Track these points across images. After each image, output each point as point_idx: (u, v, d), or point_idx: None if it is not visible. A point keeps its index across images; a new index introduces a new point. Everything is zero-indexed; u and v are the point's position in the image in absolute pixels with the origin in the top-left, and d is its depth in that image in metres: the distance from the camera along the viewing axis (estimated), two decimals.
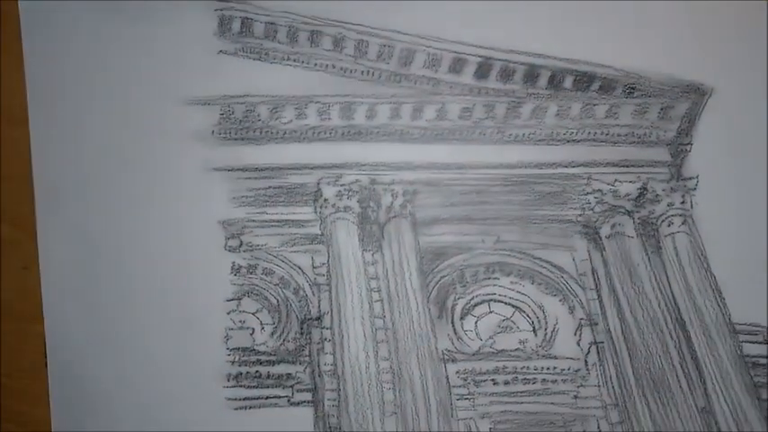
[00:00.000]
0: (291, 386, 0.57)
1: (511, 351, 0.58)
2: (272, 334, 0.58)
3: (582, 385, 0.57)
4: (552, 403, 0.57)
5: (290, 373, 0.57)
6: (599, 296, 0.59)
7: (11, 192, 0.58)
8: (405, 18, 0.60)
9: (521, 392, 0.58)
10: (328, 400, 0.57)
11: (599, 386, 0.57)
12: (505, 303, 0.59)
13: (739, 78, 0.60)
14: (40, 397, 0.56)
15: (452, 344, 0.58)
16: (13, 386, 0.56)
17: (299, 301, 0.59)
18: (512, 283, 0.59)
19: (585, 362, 0.58)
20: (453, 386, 0.57)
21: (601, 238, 0.59)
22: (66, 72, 0.60)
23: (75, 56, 0.60)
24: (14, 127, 0.59)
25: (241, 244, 0.59)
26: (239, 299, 0.59)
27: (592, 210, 0.59)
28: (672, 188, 0.60)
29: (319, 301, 0.59)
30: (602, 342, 0.58)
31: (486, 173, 0.60)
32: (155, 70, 0.60)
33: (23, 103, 0.59)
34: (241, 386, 0.57)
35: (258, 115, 0.60)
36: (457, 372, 0.58)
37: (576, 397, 0.57)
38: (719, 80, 0.60)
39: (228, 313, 0.58)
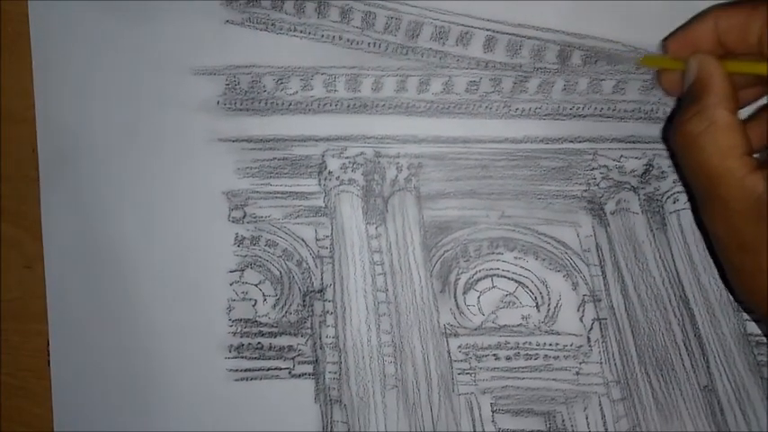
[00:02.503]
0: (293, 358, 0.57)
1: (513, 326, 0.58)
2: (275, 306, 0.58)
3: (584, 362, 0.57)
4: (554, 379, 0.57)
5: (291, 346, 0.57)
6: (603, 272, 0.58)
7: (13, 190, 0.58)
8: None
9: (522, 368, 0.57)
10: (329, 372, 0.57)
11: (601, 363, 0.57)
12: (508, 278, 0.59)
13: None
14: (43, 396, 0.56)
15: (454, 318, 0.58)
16: (15, 385, 0.57)
17: (302, 274, 0.59)
18: (515, 258, 0.59)
19: (588, 338, 0.58)
20: (455, 361, 0.57)
21: (605, 214, 0.59)
22: (70, 42, 0.60)
23: (79, 26, 0.60)
24: (16, 125, 0.59)
25: (245, 215, 0.59)
26: (242, 270, 0.59)
27: (597, 185, 0.59)
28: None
29: (322, 273, 0.59)
30: (605, 319, 0.58)
31: (492, 147, 0.59)
32: (161, 41, 0.60)
33: (25, 102, 0.59)
34: (243, 357, 0.57)
35: (264, 86, 0.60)
36: (459, 346, 0.58)
37: (578, 373, 0.57)
38: None
39: (231, 284, 0.58)
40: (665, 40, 0.54)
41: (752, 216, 0.46)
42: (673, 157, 0.57)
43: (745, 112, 0.54)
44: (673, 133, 0.50)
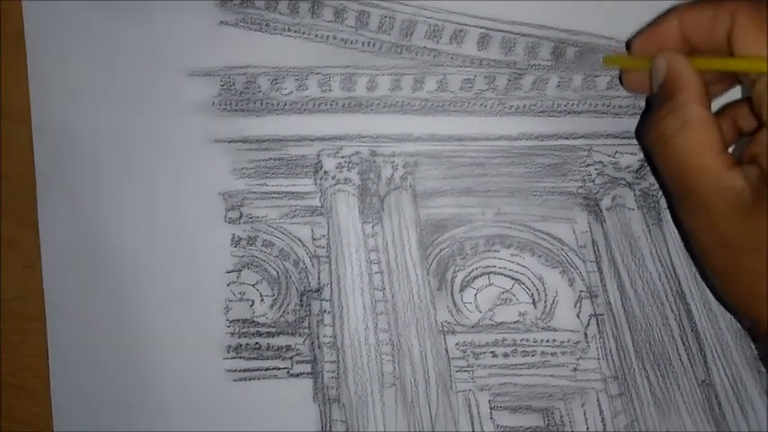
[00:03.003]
0: (291, 358, 0.57)
1: (510, 323, 0.58)
2: (272, 306, 0.58)
3: (581, 358, 0.57)
4: (551, 376, 0.57)
5: (289, 345, 0.58)
6: (599, 268, 0.59)
7: (12, 189, 0.59)
8: None
9: (520, 365, 0.57)
10: (327, 371, 0.57)
11: (599, 359, 0.57)
12: (505, 276, 0.59)
13: None
14: (42, 395, 0.56)
15: (452, 316, 0.58)
16: (14, 384, 0.57)
17: (299, 273, 0.59)
18: (512, 255, 0.59)
19: (585, 334, 0.58)
20: (452, 358, 0.57)
21: (601, 210, 0.59)
22: (65, 43, 0.60)
23: (74, 27, 0.60)
24: (16, 125, 0.59)
25: (241, 216, 0.59)
26: (239, 270, 0.59)
27: (592, 182, 0.59)
28: None
29: (319, 273, 0.59)
30: (602, 314, 0.58)
31: (487, 145, 0.59)
32: (156, 42, 0.60)
33: (25, 101, 0.59)
34: (241, 357, 0.57)
35: (259, 86, 0.60)
36: (456, 344, 0.58)
37: (575, 369, 0.57)
38: None
39: (228, 285, 0.58)
40: (630, 39, 0.54)
41: (733, 214, 0.46)
42: (647, 156, 0.57)
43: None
44: (646, 133, 0.50)
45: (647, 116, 0.52)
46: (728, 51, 0.48)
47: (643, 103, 0.58)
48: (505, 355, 0.58)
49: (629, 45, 0.55)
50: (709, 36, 0.48)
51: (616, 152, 0.59)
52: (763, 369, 0.56)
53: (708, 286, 0.57)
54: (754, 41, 0.46)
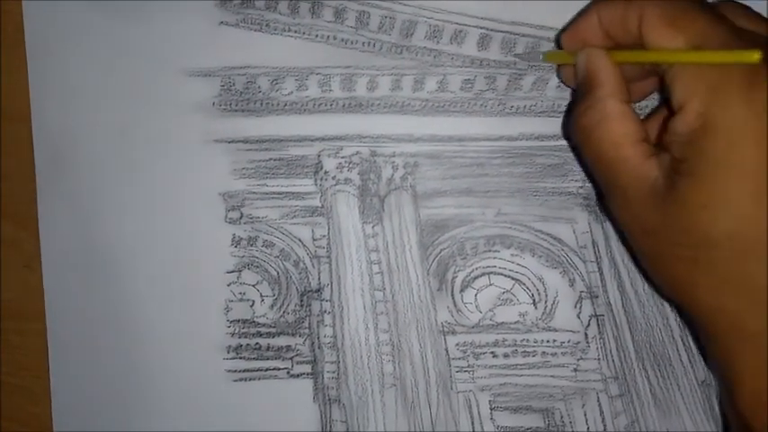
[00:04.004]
0: (291, 358, 0.57)
1: (510, 324, 0.58)
2: (272, 306, 0.58)
3: (582, 358, 0.57)
4: (552, 376, 0.57)
5: (289, 346, 0.58)
6: (599, 269, 0.59)
7: (12, 189, 0.59)
8: None
9: (520, 365, 0.58)
10: (328, 372, 0.57)
11: (599, 359, 0.57)
12: (505, 276, 0.59)
13: None
14: (42, 395, 0.56)
15: (452, 316, 0.58)
16: (14, 384, 0.57)
17: (299, 274, 0.59)
18: (512, 255, 0.59)
19: (585, 335, 0.58)
20: (453, 358, 0.57)
21: (601, 211, 0.59)
22: (65, 43, 0.60)
23: (74, 27, 0.60)
24: (16, 124, 0.59)
25: (241, 216, 0.59)
26: (239, 271, 0.59)
27: (593, 182, 0.59)
28: None
29: (319, 273, 0.59)
30: (603, 315, 0.58)
31: (488, 145, 0.59)
32: (155, 42, 0.60)
33: (24, 101, 0.59)
34: (241, 358, 0.57)
35: (259, 87, 0.60)
36: (456, 344, 0.58)
37: (575, 370, 0.57)
38: None
39: (229, 285, 0.58)
40: (558, 35, 0.55)
41: (649, 201, 0.47)
42: (573, 149, 0.58)
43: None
44: (570, 128, 0.51)
45: (571, 111, 0.53)
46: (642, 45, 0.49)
47: (642, 103, 0.58)
48: (506, 356, 0.58)
49: (558, 40, 0.55)
50: (625, 30, 0.49)
51: None
52: None
53: (642, 274, 0.58)
54: (662, 34, 0.47)
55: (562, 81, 0.57)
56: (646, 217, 0.48)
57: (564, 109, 0.59)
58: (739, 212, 0.44)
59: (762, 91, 0.44)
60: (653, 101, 0.56)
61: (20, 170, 0.59)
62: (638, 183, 0.48)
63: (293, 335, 0.58)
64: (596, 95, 0.50)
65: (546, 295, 0.58)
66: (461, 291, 0.59)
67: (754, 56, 0.43)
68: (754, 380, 0.46)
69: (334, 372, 0.57)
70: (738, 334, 0.46)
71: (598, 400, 0.57)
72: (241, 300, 0.58)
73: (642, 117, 0.54)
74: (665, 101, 0.48)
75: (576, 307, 0.58)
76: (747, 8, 0.50)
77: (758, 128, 0.44)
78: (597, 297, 0.58)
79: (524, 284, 0.59)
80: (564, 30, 0.54)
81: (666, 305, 0.57)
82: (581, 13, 0.53)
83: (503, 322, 0.58)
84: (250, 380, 0.57)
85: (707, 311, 0.47)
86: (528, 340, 0.58)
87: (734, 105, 0.44)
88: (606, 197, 0.51)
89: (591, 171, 0.52)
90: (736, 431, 0.49)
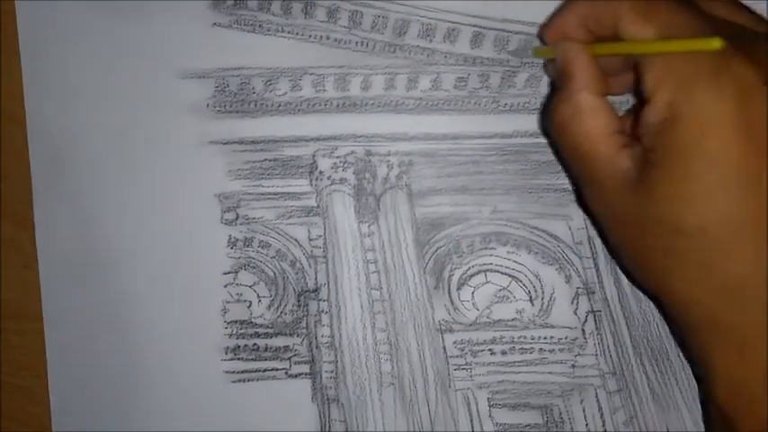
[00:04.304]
0: (289, 358, 0.57)
1: (508, 321, 0.58)
2: (270, 307, 0.58)
3: (579, 354, 0.57)
4: (550, 372, 0.57)
5: (287, 346, 0.58)
6: (596, 265, 0.59)
7: (11, 190, 0.59)
8: None
9: (518, 362, 0.58)
10: (326, 371, 0.57)
11: (596, 355, 0.57)
12: (502, 273, 0.59)
13: None
14: (42, 395, 0.56)
15: (449, 314, 0.58)
16: (14, 384, 0.57)
17: (296, 274, 0.59)
18: (508, 252, 0.59)
19: (583, 331, 0.58)
20: (450, 357, 0.57)
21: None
22: (58, 44, 0.60)
23: (68, 28, 0.60)
24: (16, 124, 0.59)
25: (237, 217, 0.59)
26: (236, 272, 0.59)
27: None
28: None
29: (316, 273, 0.59)
30: (600, 311, 0.58)
31: (482, 143, 0.59)
32: (149, 44, 0.60)
33: (20, 101, 0.59)
34: (239, 359, 0.57)
35: (253, 88, 0.60)
36: (454, 342, 0.58)
37: (573, 366, 0.57)
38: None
39: (225, 286, 0.58)
40: (540, 29, 0.56)
41: (622, 192, 0.47)
42: (552, 145, 0.58)
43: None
44: (547, 123, 0.51)
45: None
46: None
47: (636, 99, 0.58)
48: (503, 353, 0.58)
49: (540, 35, 0.56)
50: (601, 24, 0.50)
51: None
52: None
53: (618, 265, 0.58)
54: (634, 25, 0.47)
55: (549, 76, 0.57)
56: (619, 208, 0.48)
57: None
58: (710, 203, 0.44)
59: (728, 79, 0.44)
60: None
61: (20, 170, 0.59)
62: (612, 174, 0.48)
63: (291, 335, 0.58)
64: (570, 89, 0.50)
65: (542, 292, 0.58)
66: (458, 289, 0.59)
67: (715, 43, 0.43)
68: (729, 371, 0.47)
69: (332, 371, 0.57)
70: (713, 327, 0.47)
71: (596, 396, 0.57)
72: (238, 301, 0.58)
73: (623, 112, 0.54)
74: (639, 93, 0.48)
75: (572, 303, 0.58)
76: None
77: (726, 116, 0.44)
78: (594, 293, 0.58)
79: (521, 281, 0.59)
80: (545, 25, 0.55)
81: None
82: (560, 8, 0.53)
83: (500, 319, 0.58)
84: (248, 381, 0.57)
85: (682, 303, 0.47)
86: (525, 337, 0.58)
87: (701, 94, 0.44)
88: (582, 190, 0.52)
89: (567, 165, 0.52)
90: (715, 422, 0.49)
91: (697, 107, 0.44)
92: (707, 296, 0.46)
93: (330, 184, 0.59)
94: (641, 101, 0.48)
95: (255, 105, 0.60)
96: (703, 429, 0.55)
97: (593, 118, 0.49)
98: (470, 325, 0.58)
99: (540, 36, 0.56)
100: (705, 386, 0.49)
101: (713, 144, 0.44)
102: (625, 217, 0.48)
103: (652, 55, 0.46)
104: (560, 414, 0.57)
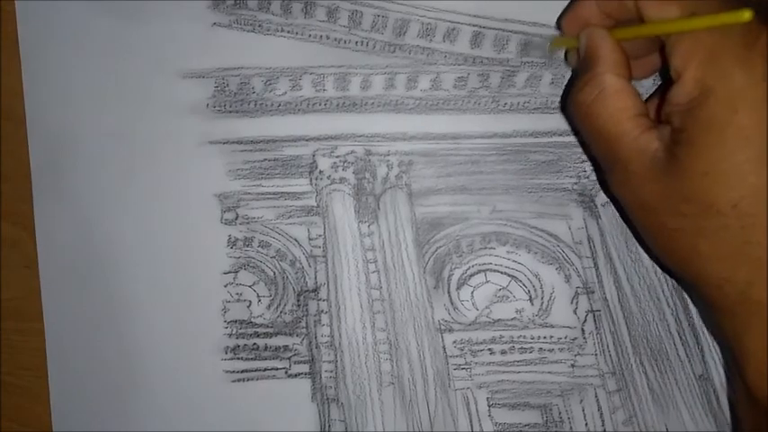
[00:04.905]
0: (289, 358, 0.57)
1: (507, 320, 0.58)
2: (269, 306, 0.59)
3: (579, 354, 0.57)
4: (549, 372, 0.57)
5: (287, 345, 0.58)
6: (595, 264, 0.59)
7: (12, 190, 0.59)
8: None
9: (517, 362, 0.58)
10: (326, 371, 0.57)
11: (596, 354, 0.57)
12: (502, 273, 0.59)
13: None
14: (42, 395, 0.56)
15: (449, 314, 0.58)
16: (14, 384, 0.57)
17: (296, 274, 0.59)
18: (508, 252, 0.59)
19: (582, 330, 0.58)
20: (450, 356, 0.57)
21: (596, 207, 0.59)
22: (58, 44, 0.60)
23: (68, 29, 0.60)
24: (15, 125, 0.59)
25: (237, 217, 0.59)
26: (236, 272, 0.59)
27: (587, 178, 0.59)
28: None
29: (316, 273, 0.59)
30: (599, 310, 0.58)
31: (482, 143, 0.59)
32: (149, 44, 0.60)
33: (20, 101, 0.59)
34: (239, 359, 0.57)
35: (252, 88, 0.60)
36: (453, 342, 0.58)
37: (573, 366, 0.57)
38: None
39: (225, 286, 0.58)
40: (558, 19, 0.55)
41: (648, 175, 0.47)
42: (573, 129, 0.58)
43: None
44: (569, 105, 0.51)
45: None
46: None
47: None
48: (503, 353, 0.58)
49: (558, 25, 0.56)
50: (622, 9, 0.49)
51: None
52: None
53: (643, 249, 0.57)
54: (656, 6, 0.47)
55: (569, 66, 0.57)
56: (647, 190, 0.47)
57: (557, 105, 0.59)
58: (742, 180, 0.44)
59: (760, 54, 0.43)
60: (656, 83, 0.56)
61: (20, 171, 0.59)
62: (638, 156, 0.47)
63: (291, 335, 0.58)
64: (594, 71, 0.49)
65: (542, 291, 0.58)
66: (458, 288, 0.59)
67: (745, 15, 0.43)
68: (761, 351, 0.46)
69: (332, 371, 0.57)
70: (746, 305, 0.46)
71: (596, 396, 0.57)
72: (238, 300, 0.58)
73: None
74: (665, 74, 0.48)
75: (572, 303, 0.58)
76: None
77: (757, 92, 0.43)
78: (593, 293, 0.58)
79: (520, 281, 0.59)
80: (563, 14, 0.55)
81: (663, 300, 0.57)
82: None
83: (499, 319, 0.58)
84: (248, 380, 0.57)
85: (714, 283, 0.47)
86: (525, 337, 0.58)
87: (732, 70, 0.44)
88: (606, 173, 0.51)
89: (590, 147, 0.52)
90: (745, 405, 0.49)
91: (728, 83, 0.44)
92: (741, 274, 0.45)
93: (330, 184, 0.59)
94: (667, 82, 0.47)
95: (255, 105, 0.60)
96: (703, 429, 0.55)
97: (618, 99, 0.48)
98: (470, 324, 0.58)
99: (559, 26, 0.55)
100: (735, 367, 0.48)
101: (745, 120, 0.43)
102: (652, 199, 0.47)
103: (679, 34, 0.46)
104: (560, 414, 0.57)
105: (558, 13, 0.57)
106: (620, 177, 0.50)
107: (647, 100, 0.53)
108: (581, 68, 0.51)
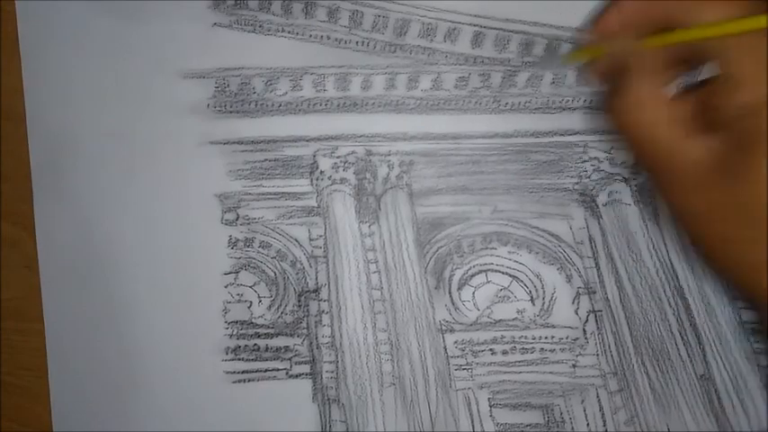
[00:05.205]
0: (290, 359, 0.57)
1: (509, 321, 0.58)
2: (270, 307, 0.58)
3: (580, 354, 0.57)
4: (551, 372, 0.57)
5: (288, 346, 0.58)
6: (597, 264, 0.58)
7: (12, 190, 0.59)
8: None
9: (519, 362, 0.57)
10: (327, 372, 0.57)
11: (597, 355, 0.57)
12: (503, 273, 0.59)
13: None
14: (42, 395, 0.56)
15: (450, 314, 0.58)
16: (14, 384, 0.57)
17: (297, 274, 0.59)
18: (509, 252, 0.59)
19: (584, 330, 0.58)
20: (451, 357, 0.57)
21: (598, 206, 0.59)
22: (59, 45, 0.60)
23: (69, 29, 0.60)
24: (16, 125, 0.59)
25: (238, 217, 0.59)
26: (237, 272, 0.59)
27: (588, 178, 0.59)
28: None
29: (316, 273, 0.59)
30: (601, 310, 0.58)
31: (483, 142, 0.59)
32: (149, 44, 0.60)
33: (20, 101, 0.59)
34: (240, 359, 0.57)
35: (253, 88, 0.60)
36: (455, 342, 0.58)
37: (574, 366, 0.57)
38: None
39: (226, 287, 0.58)
40: (582, 31, 0.55)
41: (690, 184, 0.46)
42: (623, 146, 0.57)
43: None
44: (606, 114, 0.51)
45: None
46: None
47: None
48: (504, 353, 0.58)
49: (579, 38, 0.55)
50: (649, 17, 0.49)
51: (612, 148, 0.59)
52: (762, 363, 0.56)
53: (699, 260, 0.57)
54: (704, 10, 0.46)
55: (590, 78, 0.57)
56: (696, 198, 0.46)
57: (558, 105, 0.59)
58: None
59: None
60: None
61: (20, 171, 0.59)
62: (681, 164, 0.46)
63: (291, 335, 0.58)
64: (626, 82, 0.49)
65: (543, 292, 0.58)
66: (459, 288, 0.59)
67: (761, 21, 0.42)
68: None
69: (332, 371, 0.57)
70: None
71: (597, 396, 0.57)
72: (239, 301, 0.58)
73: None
74: (702, 81, 0.47)
75: (573, 303, 0.58)
76: None
77: None
78: (595, 293, 0.58)
79: (522, 281, 0.59)
80: (588, 25, 0.54)
81: (664, 300, 0.57)
82: (603, 8, 0.53)
83: (501, 319, 0.58)
84: (249, 381, 0.57)
85: None
86: (526, 337, 0.58)
87: None
88: (653, 184, 0.50)
89: (632, 157, 0.51)
90: None
91: None
92: None
93: (331, 184, 0.59)
94: (701, 87, 0.47)
95: (256, 105, 0.60)
96: (705, 429, 0.55)
97: (653, 108, 0.47)
98: (471, 325, 0.58)
99: (579, 34, 0.55)
100: None
101: None
102: (703, 207, 0.46)
103: (727, 38, 0.45)
104: (561, 414, 0.57)
105: (558, 14, 0.57)
106: (666, 187, 0.48)
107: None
108: (616, 76, 0.51)
